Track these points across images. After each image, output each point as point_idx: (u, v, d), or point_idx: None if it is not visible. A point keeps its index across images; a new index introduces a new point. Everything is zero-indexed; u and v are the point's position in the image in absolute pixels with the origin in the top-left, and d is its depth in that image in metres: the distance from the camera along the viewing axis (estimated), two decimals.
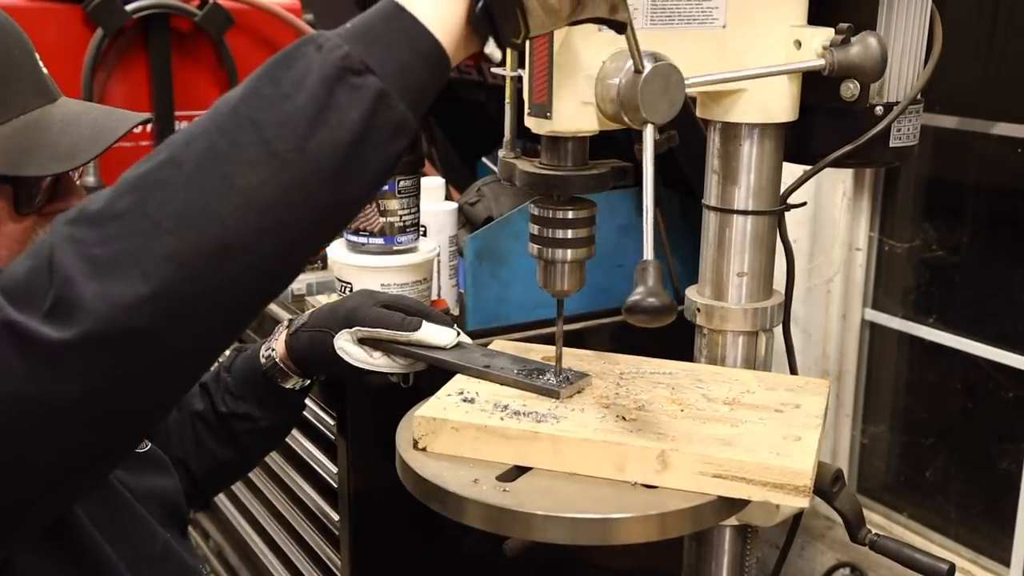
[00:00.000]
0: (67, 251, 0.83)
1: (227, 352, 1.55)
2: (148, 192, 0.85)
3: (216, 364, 1.54)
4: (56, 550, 1.07)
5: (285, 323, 1.47)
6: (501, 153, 1.34)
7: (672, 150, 1.20)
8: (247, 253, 0.85)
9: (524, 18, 0.96)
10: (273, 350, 1.45)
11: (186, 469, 1.49)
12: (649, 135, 1.13)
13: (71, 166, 1.11)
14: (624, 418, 1.23)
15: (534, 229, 1.28)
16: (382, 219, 1.65)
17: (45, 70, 1.16)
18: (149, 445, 1.35)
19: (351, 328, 1.37)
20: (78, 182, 2.21)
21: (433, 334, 1.36)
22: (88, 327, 0.81)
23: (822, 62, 1.31)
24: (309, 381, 1.49)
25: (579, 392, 1.31)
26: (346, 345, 1.38)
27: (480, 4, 0.93)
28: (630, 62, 1.12)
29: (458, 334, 1.39)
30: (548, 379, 1.31)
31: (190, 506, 1.52)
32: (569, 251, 1.28)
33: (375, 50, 0.88)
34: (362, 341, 1.38)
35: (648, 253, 1.07)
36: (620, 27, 1.04)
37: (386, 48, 0.89)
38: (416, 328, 1.36)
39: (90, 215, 0.85)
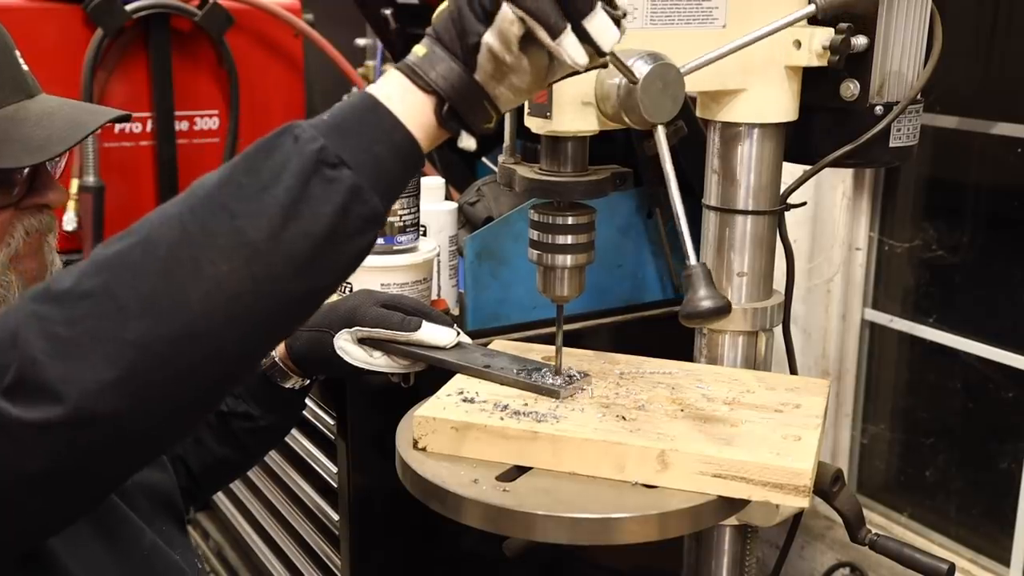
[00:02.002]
0: (31, 328, 0.83)
1: None
2: (116, 273, 0.84)
3: None
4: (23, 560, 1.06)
5: None
6: (501, 159, 1.34)
7: (673, 150, 1.20)
8: (214, 339, 0.85)
9: (493, 104, 0.96)
10: (273, 350, 1.45)
11: (185, 466, 1.49)
12: (662, 137, 1.12)
13: (43, 158, 1.10)
14: (624, 418, 1.23)
15: (534, 235, 1.28)
16: None
17: (25, 67, 1.16)
18: None
19: (351, 328, 1.37)
20: (78, 181, 2.23)
21: (433, 334, 1.36)
22: (55, 412, 0.81)
23: (812, 8, 1.29)
24: (309, 381, 1.49)
25: (579, 392, 1.31)
26: (346, 345, 1.38)
27: (446, 106, 0.93)
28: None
29: (458, 334, 1.39)
30: (548, 379, 1.31)
31: (189, 504, 1.51)
32: (569, 257, 1.27)
33: (350, 143, 0.89)
34: (362, 341, 1.38)
35: (691, 258, 1.07)
36: (603, 65, 1.03)
37: (360, 141, 0.89)
38: (416, 328, 1.36)
39: (56, 293, 0.85)
